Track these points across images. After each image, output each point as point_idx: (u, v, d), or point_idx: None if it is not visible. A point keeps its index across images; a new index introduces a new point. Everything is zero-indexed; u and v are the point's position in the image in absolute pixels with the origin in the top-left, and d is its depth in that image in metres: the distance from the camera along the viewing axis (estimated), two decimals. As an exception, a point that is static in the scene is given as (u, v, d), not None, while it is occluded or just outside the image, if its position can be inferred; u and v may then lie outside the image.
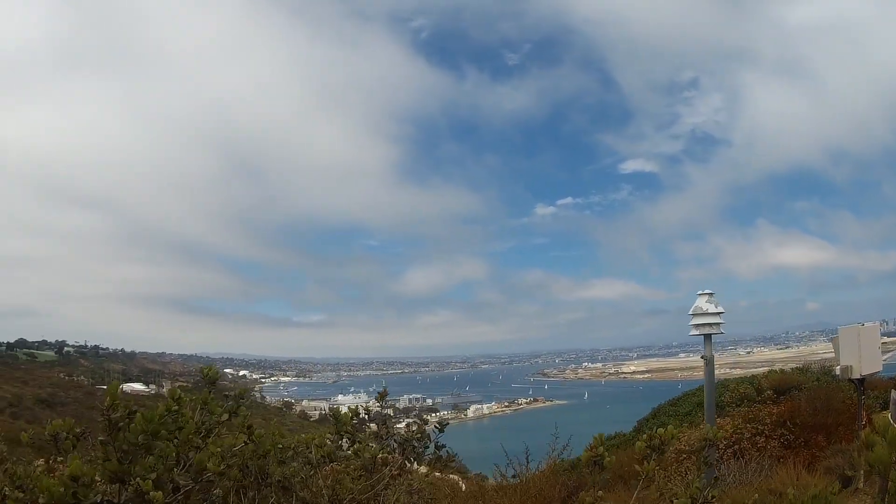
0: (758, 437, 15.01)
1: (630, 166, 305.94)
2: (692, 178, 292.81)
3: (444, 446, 5.86)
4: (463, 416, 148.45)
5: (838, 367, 10.95)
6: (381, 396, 6.27)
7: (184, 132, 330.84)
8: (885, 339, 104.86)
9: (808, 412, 15.36)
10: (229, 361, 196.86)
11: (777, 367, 34.99)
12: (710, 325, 9.12)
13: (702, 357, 9.03)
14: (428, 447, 5.76)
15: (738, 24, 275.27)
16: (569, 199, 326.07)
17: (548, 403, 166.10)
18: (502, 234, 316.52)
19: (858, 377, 10.67)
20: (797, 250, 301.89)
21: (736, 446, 14.68)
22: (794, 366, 31.58)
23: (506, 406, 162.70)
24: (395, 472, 5.59)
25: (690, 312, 8.99)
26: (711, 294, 9.12)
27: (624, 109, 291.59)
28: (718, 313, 9.17)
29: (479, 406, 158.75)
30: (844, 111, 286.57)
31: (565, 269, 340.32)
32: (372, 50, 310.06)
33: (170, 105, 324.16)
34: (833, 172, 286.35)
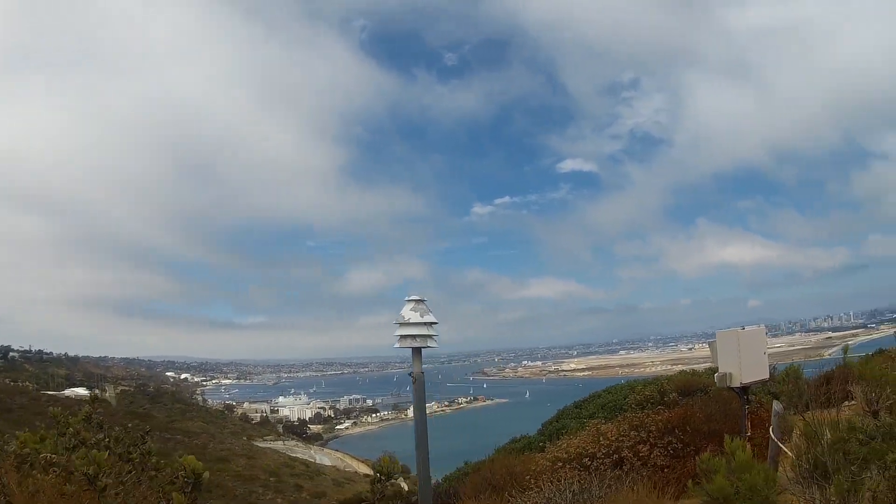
0: (641, 446, 13.76)
1: (568, 165, 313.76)
2: (633, 177, 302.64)
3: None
4: (403, 416, 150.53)
5: (716, 374, 10.03)
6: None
7: (134, 133, 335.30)
8: (831, 333, 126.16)
9: (701, 418, 14.09)
10: (171, 364, 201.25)
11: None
12: (417, 336, 6.84)
13: (410, 374, 7.11)
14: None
15: (683, 26, 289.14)
16: (507, 199, 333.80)
17: (488, 402, 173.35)
18: (443, 233, 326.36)
19: (739, 386, 9.64)
20: (740, 248, 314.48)
21: (616, 455, 13.62)
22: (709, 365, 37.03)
23: (446, 406, 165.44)
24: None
25: (395, 322, 6.89)
26: (420, 301, 6.90)
27: (567, 110, 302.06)
28: (428, 323, 6.87)
29: None
30: (791, 112, 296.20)
31: (505, 269, 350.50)
32: (324, 51, 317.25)
33: (120, 105, 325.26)
34: (778, 172, 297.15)
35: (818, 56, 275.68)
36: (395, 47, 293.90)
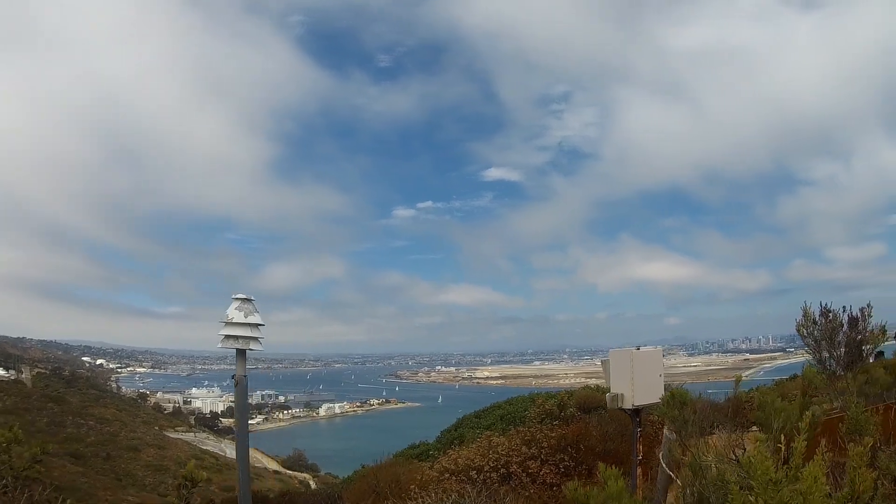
0: (531, 462, 13.61)
1: (494, 174, 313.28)
2: (558, 189, 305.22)
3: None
4: (315, 414, 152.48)
5: (607, 395, 9.44)
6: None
7: (65, 115, 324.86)
8: (749, 355, 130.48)
9: (597, 437, 13.91)
10: (88, 349, 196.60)
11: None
12: (240, 337, 6.41)
13: (232, 378, 6.49)
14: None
15: (619, 44, 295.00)
16: (429, 203, 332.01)
17: (400, 405, 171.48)
18: (364, 234, 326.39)
19: (631, 408, 9.13)
20: (661, 266, 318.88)
21: (504, 469, 13.46)
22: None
23: (358, 406, 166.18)
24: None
25: (220, 321, 6.37)
26: (247, 300, 6.49)
27: (497, 119, 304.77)
28: (253, 325, 6.45)
29: (332, 405, 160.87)
30: (722, 135, 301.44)
31: (424, 273, 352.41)
32: (261, 45, 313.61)
33: (52, 87, 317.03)
34: (705, 193, 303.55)
35: (753, 82, 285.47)
36: (332, 45, 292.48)
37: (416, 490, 9.04)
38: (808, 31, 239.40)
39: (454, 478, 13.42)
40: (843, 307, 9.26)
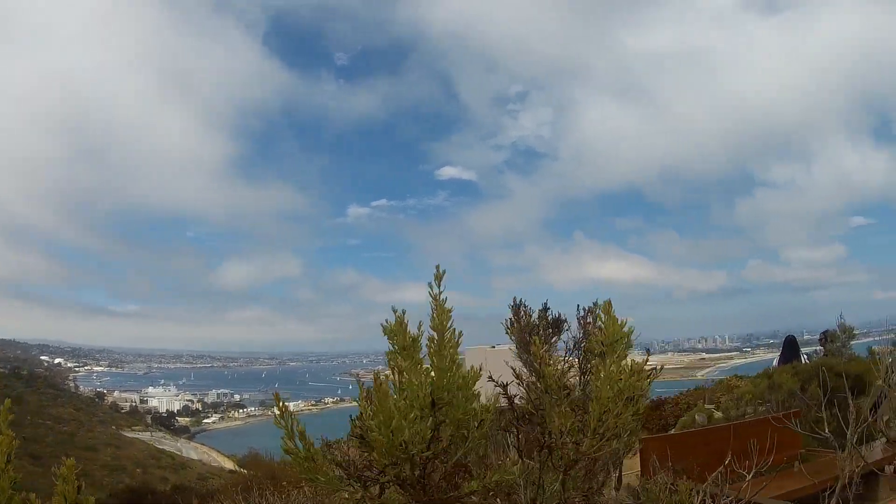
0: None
1: (448, 173, 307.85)
2: (513, 188, 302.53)
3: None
4: (270, 413, 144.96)
5: None
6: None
7: (29, 112, 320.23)
8: (705, 355, 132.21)
9: None
10: (46, 348, 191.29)
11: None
12: None
13: None
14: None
15: (577, 45, 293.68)
16: (384, 201, 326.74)
17: (354, 403, 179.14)
18: (320, 233, 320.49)
19: None
20: (617, 265, 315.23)
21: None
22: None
23: (313, 405, 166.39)
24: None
25: None
26: None
27: (455, 119, 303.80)
28: None
29: (287, 404, 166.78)
30: (681, 136, 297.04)
31: (378, 271, 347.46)
32: (228, 42, 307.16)
33: (15, 83, 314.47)
34: (662, 193, 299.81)
35: (712, 85, 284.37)
36: (298, 45, 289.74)
37: (285, 485, 8.92)
38: (770, 35, 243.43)
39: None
40: (545, 306, 8.39)
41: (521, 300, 8.14)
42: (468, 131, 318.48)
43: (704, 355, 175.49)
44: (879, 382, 11.99)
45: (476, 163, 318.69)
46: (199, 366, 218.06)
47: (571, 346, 7.86)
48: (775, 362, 12.96)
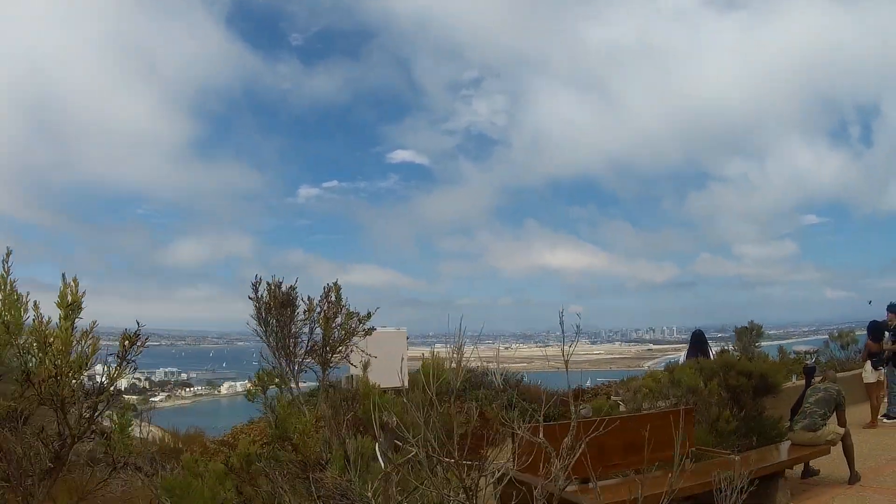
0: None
1: (400, 156, 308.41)
2: (466, 174, 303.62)
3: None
4: (217, 392, 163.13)
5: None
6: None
7: None
8: (652, 346, 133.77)
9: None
10: None
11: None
12: None
13: None
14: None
15: (535, 35, 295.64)
16: (334, 183, 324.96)
17: (301, 385, 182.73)
18: (271, 212, 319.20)
19: None
20: (567, 254, 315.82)
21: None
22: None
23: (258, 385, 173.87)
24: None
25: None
26: None
27: (410, 103, 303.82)
28: None
29: (234, 383, 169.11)
30: (636, 129, 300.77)
31: (327, 253, 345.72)
32: (190, 22, 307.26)
33: None
34: (615, 184, 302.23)
35: (669, 80, 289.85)
36: (261, 26, 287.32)
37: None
38: (728, 33, 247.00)
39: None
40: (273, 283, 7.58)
41: (260, 277, 7.58)
42: (422, 115, 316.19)
43: (652, 346, 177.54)
44: (791, 383, 12.07)
45: (429, 147, 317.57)
46: (147, 344, 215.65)
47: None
48: (682, 357, 12.88)
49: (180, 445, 12.80)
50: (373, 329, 7.97)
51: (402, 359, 8.63)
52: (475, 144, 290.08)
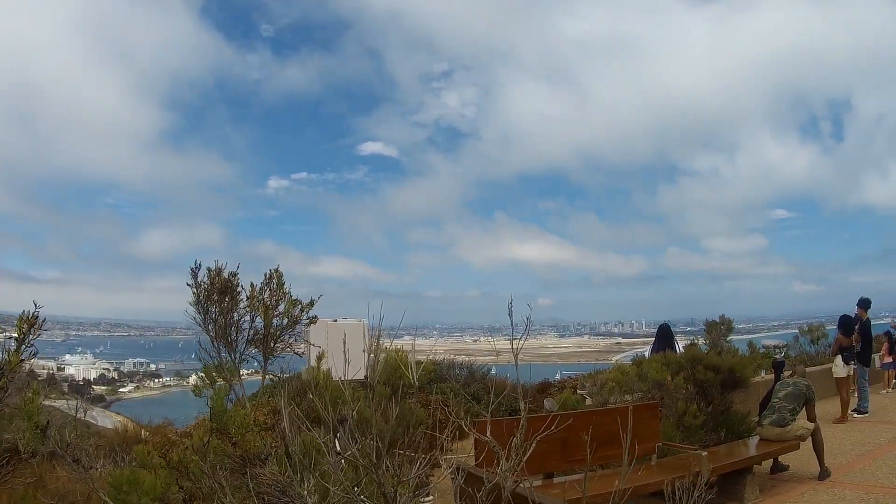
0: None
1: (370, 148, 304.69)
2: (436, 166, 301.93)
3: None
4: (185, 383, 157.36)
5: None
6: None
7: None
8: (622, 339, 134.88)
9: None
10: None
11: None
12: None
13: None
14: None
15: (505, 26, 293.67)
16: (304, 174, 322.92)
17: (269, 375, 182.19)
18: (240, 203, 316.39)
19: None
20: (536, 246, 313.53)
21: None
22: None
23: None
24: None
25: None
26: None
27: (380, 95, 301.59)
28: None
29: (202, 374, 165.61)
30: (606, 122, 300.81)
31: (295, 244, 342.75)
32: (164, 12, 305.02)
33: None
34: (585, 177, 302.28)
35: (640, 74, 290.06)
36: (235, 17, 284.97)
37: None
38: (700, 27, 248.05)
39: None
40: (214, 269, 7.31)
41: (199, 263, 7.27)
42: (392, 108, 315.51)
43: (621, 339, 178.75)
44: (760, 378, 12.02)
45: (398, 139, 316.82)
46: (116, 334, 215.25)
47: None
48: (647, 351, 12.82)
49: (147, 435, 12.58)
50: (316, 318, 7.77)
51: (362, 351, 8.34)
52: (445, 137, 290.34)
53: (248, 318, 7.39)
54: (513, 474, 3.34)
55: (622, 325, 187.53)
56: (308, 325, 7.71)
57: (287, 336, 7.54)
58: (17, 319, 3.66)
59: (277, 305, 7.35)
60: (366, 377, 4.62)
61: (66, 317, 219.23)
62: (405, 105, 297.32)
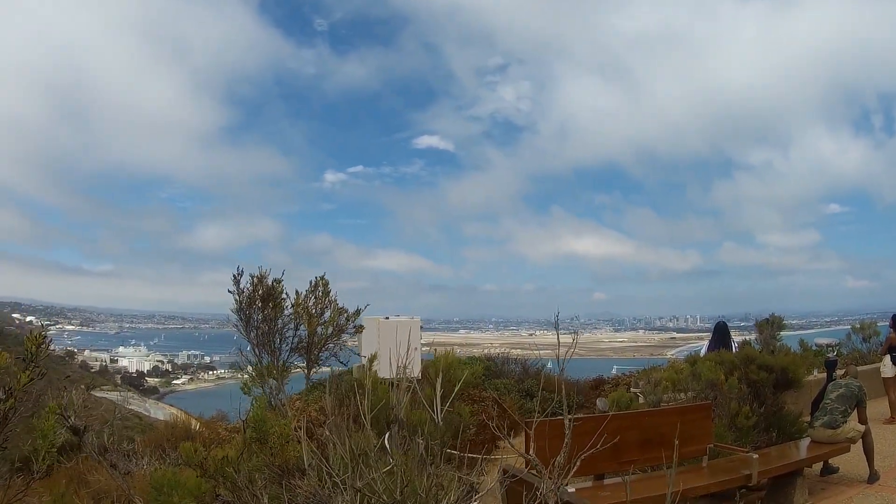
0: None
1: (425, 142, 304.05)
2: (492, 160, 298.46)
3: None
4: (240, 375, 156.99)
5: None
6: None
7: (13, 72, 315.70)
8: (676, 334, 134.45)
9: None
10: (18, 306, 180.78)
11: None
12: None
13: None
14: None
15: (560, 21, 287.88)
16: (360, 168, 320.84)
17: (325, 368, 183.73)
18: (296, 197, 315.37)
19: None
20: (591, 240, 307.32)
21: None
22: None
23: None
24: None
25: None
26: None
27: (437, 89, 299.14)
28: None
29: (252, 373, 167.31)
30: (660, 117, 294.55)
31: (352, 237, 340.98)
32: (221, 8, 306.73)
33: (11, 46, 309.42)
34: (640, 172, 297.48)
35: (694, 69, 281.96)
36: (293, 12, 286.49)
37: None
38: (752, 21, 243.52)
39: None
40: (257, 276, 7.20)
41: (241, 269, 7.18)
42: (447, 101, 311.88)
43: (675, 334, 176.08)
44: (812, 376, 11.79)
45: (454, 133, 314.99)
46: (170, 327, 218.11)
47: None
48: (703, 349, 12.64)
49: (198, 427, 12.77)
50: (362, 327, 7.87)
51: (415, 349, 7.90)
52: (501, 130, 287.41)
53: (292, 325, 7.38)
54: (559, 477, 3.34)
55: (677, 320, 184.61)
56: (355, 333, 7.69)
57: (332, 345, 7.48)
58: (24, 339, 3.66)
59: (322, 314, 7.33)
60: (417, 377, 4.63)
61: (120, 309, 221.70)
62: (461, 99, 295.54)
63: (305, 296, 7.33)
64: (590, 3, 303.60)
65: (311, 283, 7.38)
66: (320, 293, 7.37)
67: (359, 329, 7.78)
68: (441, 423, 4.08)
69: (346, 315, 7.48)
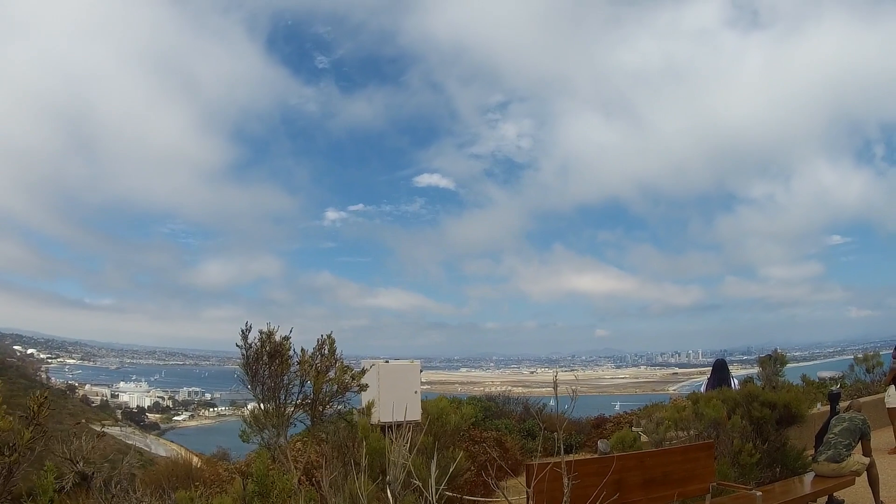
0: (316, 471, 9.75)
1: (425, 180, 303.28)
2: (493, 198, 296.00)
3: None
4: (240, 412, 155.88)
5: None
6: None
7: (22, 100, 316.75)
8: (678, 369, 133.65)
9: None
10: (19, 338, 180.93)
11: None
12: None
13: None
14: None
15: (560, 57, 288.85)
16: (360, 206, 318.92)
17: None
18: (298, 234, 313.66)
19: (377, 424, 7.96)
20: (593, 277, 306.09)
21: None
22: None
23: None
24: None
25: None
26: None
27: (439, 127, 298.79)
28: None
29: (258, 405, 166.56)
30: (662, 152, 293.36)
31: (353, 275, 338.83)
32: (232, 44, 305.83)
33: (13, 70, 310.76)
34: (642, 208, 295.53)
35: (694, 102, 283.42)
36: (301, 50, 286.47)
37: (198, 485, 8.20)
38: (752, 53, 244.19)
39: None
40: (265, 332, 7.16)
41: (249, 325, 7.10)
42: (448, 139, 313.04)
43: (677, 370, 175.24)
44: (816, 410, 11.71)
45: (455, 171, 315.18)
46: (171, 363, 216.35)
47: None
48: (703, 385, 12.58)
49: (199, 465, 12.79)
50: (366, 385, 7.73)
51: (415, 393, 8.64)
52: (502, 168, 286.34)
53: (297, 381, 7.36)
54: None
55: (678, 356, 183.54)
56: (358, 391, 7.70)
57: (335, 402, 7.48)
58: (28, 398, 3.64)
59: (328, 371, 7.32)
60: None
61: (121, 344, 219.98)
62: (462, 137, 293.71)
63: (312, 354, 7.28)
64: (591, 39, 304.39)
65: (317, 340, 7.34)
66: (326, 351, 7.32)
67: (363, 388, 7.66)
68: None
69: (350, 373, 7.41)
